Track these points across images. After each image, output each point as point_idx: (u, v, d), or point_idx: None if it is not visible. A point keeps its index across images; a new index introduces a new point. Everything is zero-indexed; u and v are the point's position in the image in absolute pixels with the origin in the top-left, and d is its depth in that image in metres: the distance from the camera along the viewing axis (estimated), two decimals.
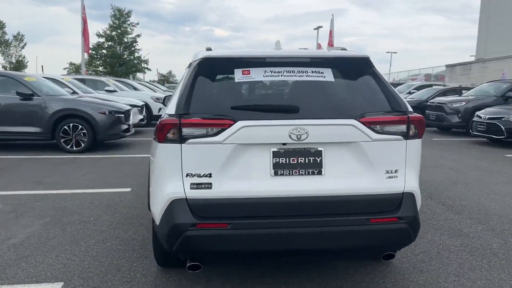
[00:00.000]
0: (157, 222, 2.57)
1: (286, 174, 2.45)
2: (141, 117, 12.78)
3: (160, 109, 15.68)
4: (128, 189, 5.67)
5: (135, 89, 17.45)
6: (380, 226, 2.46)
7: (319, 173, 2.47)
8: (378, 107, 2.56)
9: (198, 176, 2.41)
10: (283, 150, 2.45)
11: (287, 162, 2.45)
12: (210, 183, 2.41)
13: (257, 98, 2.68)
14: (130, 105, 10.60)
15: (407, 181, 2.56)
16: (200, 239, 2.38)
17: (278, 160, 2.44)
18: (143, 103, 13.47)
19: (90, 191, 5.57)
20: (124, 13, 38.18)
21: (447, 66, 28.23)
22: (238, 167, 2.43)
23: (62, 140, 8.56)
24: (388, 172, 2.52)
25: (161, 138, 2.44)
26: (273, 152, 2.44)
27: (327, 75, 2.64)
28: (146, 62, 40.46)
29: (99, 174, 6.62)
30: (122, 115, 9.25)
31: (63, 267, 3.23)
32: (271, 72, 2.62)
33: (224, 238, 2.38)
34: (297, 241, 2.43)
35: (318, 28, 42.52)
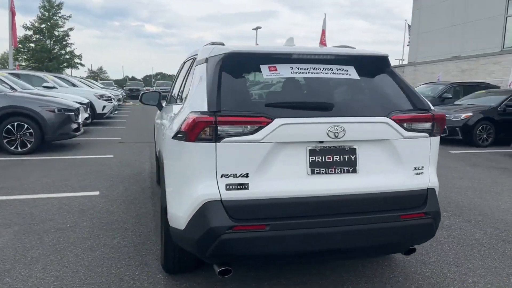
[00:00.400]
0: (182, 226, 2.40)
1: (322, 173, 2.41)
2: (86, 115, 12.01)
3: (104, 106, 14.90)
4: (97, 193, 5.29)
5: (74, 85, 16.37)
6: (409, 222, 2.50)
7: (354, 171, 2.46)
8: (403, 105, 2.61)
9: (234, 177, 2.29)
10: (319, 148, 2.40)
11: (323, 160, 2.41)
12: (247, 184, 2.30)
13: (289, 95, 2.60)
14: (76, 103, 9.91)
15: (430, 176, 2.64)
16: (237, 243, 2.26)
17: (314, 159, 2.39)
18: (88, 100, 12.68)
19: (54, 195, 5.11)
20: (55, 4, 35.67)
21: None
22: (275, 166, 2.34)
23: (5, 141, 7.79)
24: (416, 169, 2.58)
25: (193, 137, 2.28)
26: (310, 150, 2.39)
27: (352, 72, 2.64)
28: (79, 57, 38.16)
29: (57, 177, 6.10)
30: (72, 113, 8.64)
31: (56, 280, 2.92)
32: (298, 69, 2.57)
33: (262, 240, 2.28)
34: (334, 240, 2.39)
35: (257, 28, 42.90)
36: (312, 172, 2.39)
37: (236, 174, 2.29)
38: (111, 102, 15.53)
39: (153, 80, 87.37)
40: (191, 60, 3.53)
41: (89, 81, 23.84)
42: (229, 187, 2.28)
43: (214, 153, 2.27)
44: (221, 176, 2.28)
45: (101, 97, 14.90)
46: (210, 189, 2.28)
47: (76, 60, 38.39)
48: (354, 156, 2.46)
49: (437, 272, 3.17)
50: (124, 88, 37.47)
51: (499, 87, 14.57)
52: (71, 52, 37.68)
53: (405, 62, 32.06)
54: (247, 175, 2.30)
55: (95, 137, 11.00)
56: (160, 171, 3.34)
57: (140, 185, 5.73)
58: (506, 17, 17.49)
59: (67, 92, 13.10)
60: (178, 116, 2.70)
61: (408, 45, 28.44)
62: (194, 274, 3.00)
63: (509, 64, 15.92)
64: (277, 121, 2.29)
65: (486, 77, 17.33)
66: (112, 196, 5.15)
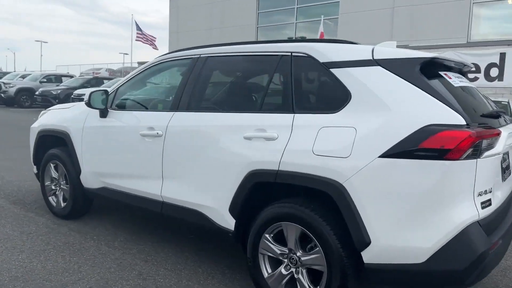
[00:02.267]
0: (421, 259, 2.13)
1: (505, 179, 2.59)
2: None
3: None
4: None
5: None
6: None
7: (510, 173, 2.71)
8: None
9: (485, 193, 2.24)
10: (502, 156, 2.48)
11: (504, 166, 2.57)
12: (491, 199, 2.29)
13: (478, 104, 2.60)
14: None
15: None
16: (492, 262, 2.26)
17: (503, 166, 2.53)
18: None
19: None
20: None
21: (139, 63, 29.90)
22: (493, 177, 2.38)
23: None
24: None
25: (458, 154, 2.08)
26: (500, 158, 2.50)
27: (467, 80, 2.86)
28: None
29: None
30: None
31: None
32: (455, 77, 2.60)
33: (500, 254, 2.35)
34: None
35: None
36: (503, 179, 2.53)
37: (486, 191, 2.24)
38: None
39: None
40: (264, 56, 2.98)
41: None
42: (483, 205, 2.21)
43: (474, 171, 2.15)
44: (478, 195, 2.19)
45: None
46: (470, 211, 2.15)
47: None
48: (509, 160, 2.71)
49: None
50: None
51: None
52: None
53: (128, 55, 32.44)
54: (491, 190, 2.29)
55: None
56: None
57: (35, 223, 4.45)
58: (257, 27, 20.88)
59: None
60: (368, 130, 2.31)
61: (136, 40, 29.68)
62: None
63: None
64: (503, 132, 2.36)
65: None
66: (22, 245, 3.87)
